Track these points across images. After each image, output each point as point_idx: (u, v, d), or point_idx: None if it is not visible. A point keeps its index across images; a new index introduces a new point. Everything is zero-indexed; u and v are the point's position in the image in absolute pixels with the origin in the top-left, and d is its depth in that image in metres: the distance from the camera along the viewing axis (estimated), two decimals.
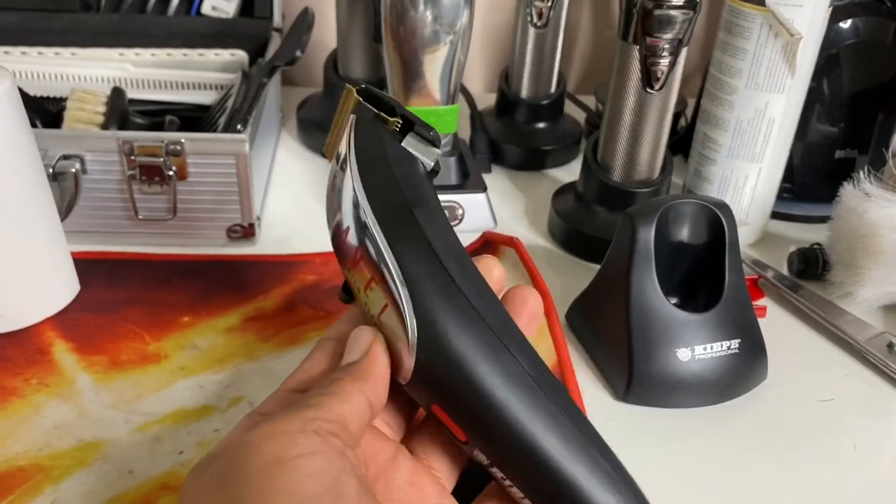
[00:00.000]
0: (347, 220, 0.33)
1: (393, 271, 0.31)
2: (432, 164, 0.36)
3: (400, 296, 0.30)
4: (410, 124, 0.35)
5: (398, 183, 0.33)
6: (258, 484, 0.26)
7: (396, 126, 0.35)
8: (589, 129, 0.80)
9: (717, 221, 0.50)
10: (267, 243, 0.62)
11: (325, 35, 0.78)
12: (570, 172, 0.75)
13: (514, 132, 0.76)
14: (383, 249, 0.31)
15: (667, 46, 0.55)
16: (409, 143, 0.35)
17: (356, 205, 0.32)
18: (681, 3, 0.54)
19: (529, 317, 0.35)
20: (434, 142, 0.36)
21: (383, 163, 0.34)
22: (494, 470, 0.31)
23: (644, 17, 0.54)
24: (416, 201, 0.33)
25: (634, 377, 0.48)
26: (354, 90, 0.36)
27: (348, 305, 0.36)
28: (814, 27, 0.56)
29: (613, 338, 0.50)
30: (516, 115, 0.76)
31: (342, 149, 0.35)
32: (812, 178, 0.68)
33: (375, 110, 0.35)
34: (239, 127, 0.58)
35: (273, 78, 0.63)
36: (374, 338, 0.32)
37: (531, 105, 0.76)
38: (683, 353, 0.48)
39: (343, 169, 0.34)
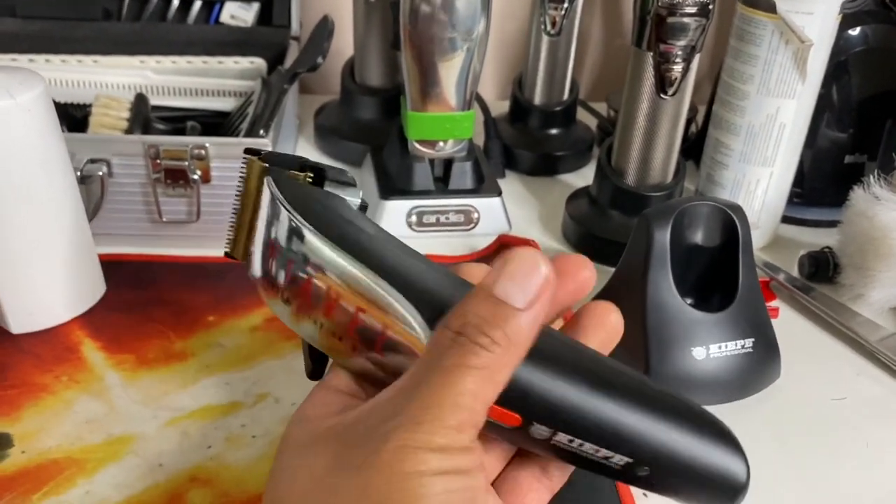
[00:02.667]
0: (303, 270, 0.31)
1: (387, 289, 0.30)
2: (359, 201, 0.35)
3: (404, 309, 0.29)
4: (322, 172, 0.34)
5: (348, 219, 0.33)
6: (399, 486, 0.25)
7: (309, 179, 0.34)
8: (601, 136, 0.81)
9: (730, 223, 0.51)
10: None
11: (342, 43, 0.80)
12: (582, 178, 0.77)
13: (528, 138, 0.77)
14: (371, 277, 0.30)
15: (680, 53, 0.57)
16: (332, 187, 0.35)
17: (313, 250, 0.31)
18: (694, 11, 0.55)
19: (605, 339, 0.33)
20: (352, 182, 0.35)
21: (321, 207, 0.33)
22: (559, 437, 0.30)
23: (658, 25, 0.56)
24: (376, 228, 0.33)
25: (651, 375, 0.49)
26: (256, 159, 0.35)
27: None
28: (824, 34, 0.57)
29: (629, 337, 0.50)
30: (529, 121, 0.78)
31: (270, 217, 0.33)
32: (822, 183, 0.69)
33: (286, 170, 0.34)
34: (261, 132, 0.59)
35: (293, 85, 0.65)
36: (549, 274, 0.27)
37: (544, 112, 0.77)
38: (699, 352, 0.49)
39: (276, 233, 0.32)
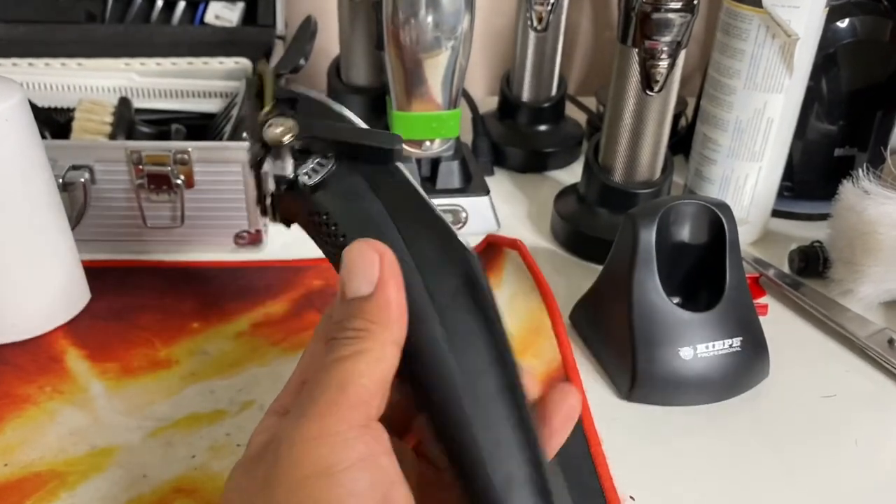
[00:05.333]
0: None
1: None
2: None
3: None
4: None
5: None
6: (306, 494, 0.25)
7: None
8: (590, 131, 0.81)
9: (717, 221, 0.51)
10: (274, 249, 0.63)
11: (328, 42, 0.79)
12: (571, 174, 0.76)
13: (516, 135, 0.77)
14: None
15: (665, 49, 0.56)
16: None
17: None
18: (679, 7, 0.54)
19: (564, 418, 0.32)
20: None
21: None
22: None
23: (642, 21, 0.55)
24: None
25: (638, 376, 0.49)
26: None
27: None
28: (811, 28, 0.57)
29: (617, 337, 0.51)
30: (518, 117, 0.77)
31: None
32: (812, 177, 0.69)
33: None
34: (245, 135, 0.59)
35: (277, 85, 0.64)
36: (382, 251, 0.29)
37: (532, 108, 0.76)
38: (686, 352, 0.49)
39: None
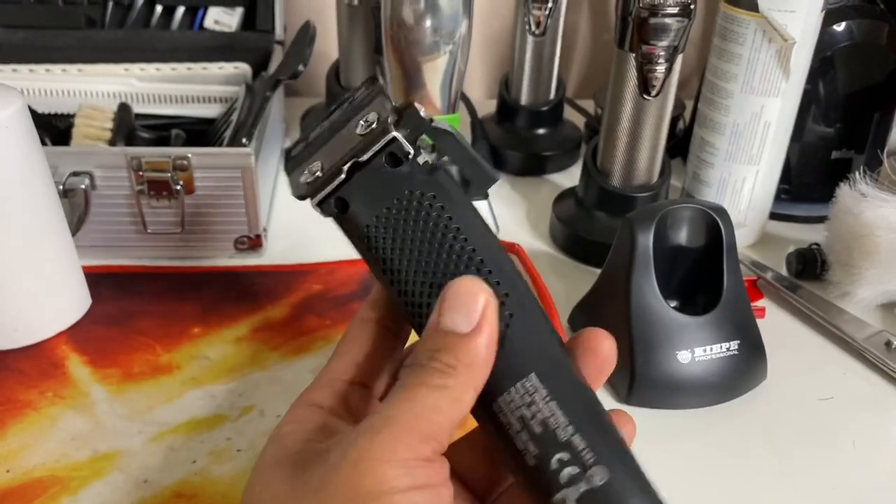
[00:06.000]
0: None
1: None
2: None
3: None
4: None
5: None
6: None
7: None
8: (589, 134, 0.81)
9: (714, 225, 0.51)
10: (274, 253, 0.63)
11: (328, 46, 0.80)
12: (570, 177, 0.76)
13: (515, 138, 0.77)
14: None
15: (662, 53, 0.56)
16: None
17: None
18: (675, 11, 0.55)
19: (598, 366, 0.32)
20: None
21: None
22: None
23: (640, 26, 0.55)
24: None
25: (636, 380, 0.49)
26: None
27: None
28: (807, 32, 0.57)
29: (615, 341, 0.51)
30: (516, 121, 0.77)
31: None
32: (809, 179, 0.69)
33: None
34: (244, 141, 0.59)
35: (276, 91, 0.65)
36: (488, 298, 0.28)
37: (531, 111, 0.77)
38: (684, 356, 0.49)
39: None
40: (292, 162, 0.32)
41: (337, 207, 0.31)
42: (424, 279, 0.30)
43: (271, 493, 0.28)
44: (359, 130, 0.31)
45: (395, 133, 0.30)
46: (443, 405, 0.27)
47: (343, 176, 0.30)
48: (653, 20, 0.55)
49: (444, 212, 0.30)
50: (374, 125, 0.30)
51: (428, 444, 0.27)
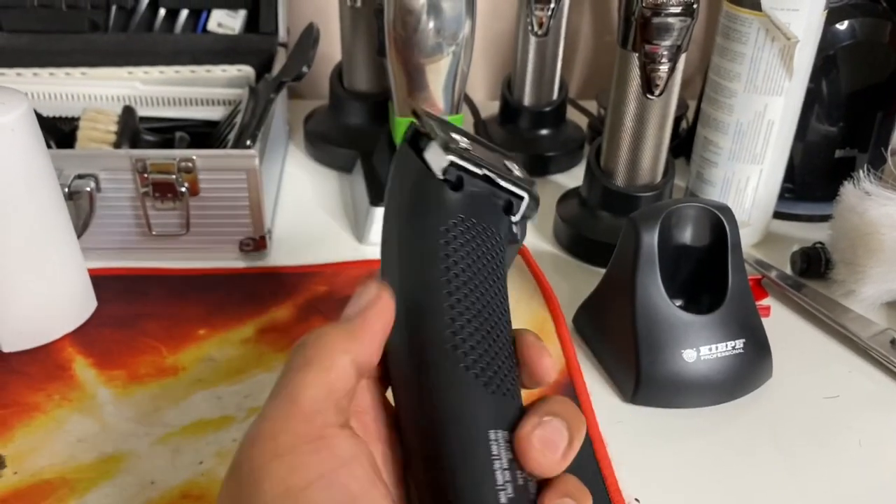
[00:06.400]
0: None
1: None
2: None
3: None
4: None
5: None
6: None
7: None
8: (592, 135, 0.81)
9: (719, 224, 0.51)
10: (278, 255, 0.63)
11: (331, 48, 0.80)
12: (573, 178, 0.76)
13: (518, 139, 0.77)
14: None
15: (665, 53, 0.56)
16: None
17: None
18: (678, 11, 0.55)
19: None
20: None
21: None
22: None
23: (643, 25, 0.55)
24: None
25: (641, 379, 0.49)
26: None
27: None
28: (810, 30, 0.57)
29: (620, 340, 0.51)
30: (519, 122, 0.77)
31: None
32: (813, 178, 0.69)
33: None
34: (248, 142, 0.59)
35: (280, 93, 0.65)
36: (377, 292, 0.30)
37: (534, 112, 0.77)
38: (689, 354, 0.49)
39: None
40: (443, 126, 0.33)
41: (453, 179, 0.31)
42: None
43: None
44: (508, 164, 0.33)
45: (527, 197, 0.32)
46: (311, 378, 0.27)
47: (482, 171, 0.31)
48: (656, 20, 0.55)
49: (497, 263, 0.31)
50: (521, 175, 0.33)
51: (311, 423, 0.26)
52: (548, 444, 0.28)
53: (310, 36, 0.64)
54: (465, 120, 0.66)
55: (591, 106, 0.84)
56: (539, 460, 0.28)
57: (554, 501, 0.28)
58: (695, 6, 0.55)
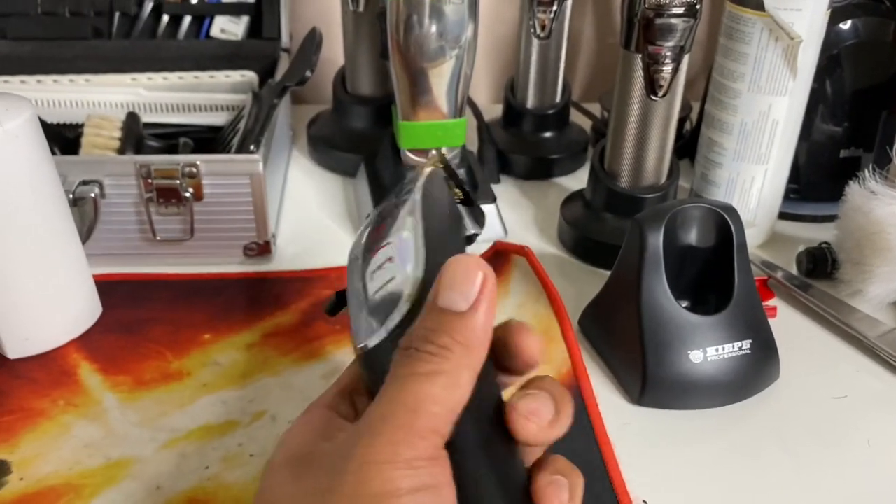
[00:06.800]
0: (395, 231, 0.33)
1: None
2: (471, 232, 0.38)
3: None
4: (470, 201, 0.38)
5: (448, 226, 0.35)
6: None
7: (458, 196, 0.38)
8: (595, 137, 0.81)
9: (724, 224, 0.51)
10: (283, 260, 0.63)
11: (334, 52, 0.80)
12: (577, 180, 0.76)
13: (522, 142, 0.77)
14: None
15: (669, 54, 0.56)
16: (463, 210, 0.38)
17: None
18: (681, 12, 0.55)
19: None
20: (480, 223, 0.38)
21: (441, 205, 0.35)
22: None
23: (646, 26, 0.55)
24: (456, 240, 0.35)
25: (648, 380, 0.49)
26: (438, 159, 0.39)
27: None
28: (813, 30, 0.57)
29: (626, 342, 0.51)
30: (523, 125, 0.77)
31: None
32: (818, 178, 0.69)
33: (446, 174, 0.38)
34: (252, 147, 0.59)
35: (283, 97, 0.65)
36: (487, 273, 0.27)
37: (537, 115, 0.77)
38: (696, 356, 0.49)
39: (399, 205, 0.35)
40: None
41: None
42: None
43: (279, 494, 0.28)
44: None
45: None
46: (438, 393, 0.26)
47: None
48: (658, 21, 0.55)
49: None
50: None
51: (429, 439, 0.26)
52: (535, 413, 0.29)
53: (313, 40, 0.64)
54: (468, 123, 0.66)
55: (595, 108, 0.84)
56: (527, 427, 0.29)
57: (546, 478, 0.29)
58: (697, 6, 0.55)
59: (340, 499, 0.25)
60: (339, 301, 0.36)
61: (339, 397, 0.33)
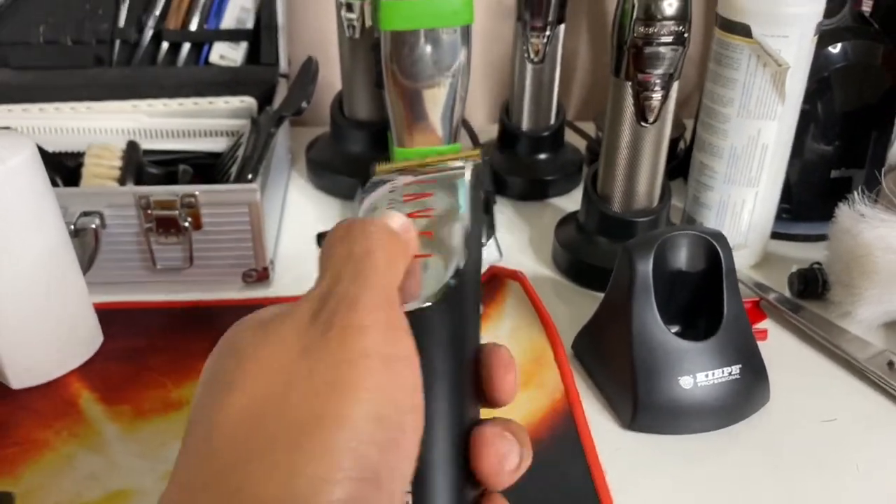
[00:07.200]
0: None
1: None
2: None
3: None
4: (488, 209, 0.37)
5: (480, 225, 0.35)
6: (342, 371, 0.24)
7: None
8: (590, 157, 0.82)
9: (714, 250, 0.52)
10: (282, 284, 0.64)
11: (332, 76, 0.80)
12: (572, 200, 0.77)
13: (517, 164, 0.78)
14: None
15: (658, 81, 0.57)
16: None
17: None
18: (670, 40, 0.56)
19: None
20: (488, 235, 0.37)
21: (478, 201, 0.34)
22: None
23: (635, 55, 0.56)
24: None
25: (639, 406, 0.50)
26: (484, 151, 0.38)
27: None
28: (801, 56, 0.58)
29: (618, 367, 0.52)
30: (518, 147, 0.78)
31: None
32: (810, 198, 0.69)
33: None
34: (250, 176, 0.60)
35: (280, 126, 0.66)
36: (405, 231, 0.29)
37: (532, 137, 0.78)
38: (686, 381, 0.49)
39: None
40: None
41: None
42: None
43: (249, 351, 0.27)
44: None
45: None
46: (383, 265, 0.27)
47: None
48: (648, 49, 0.56)
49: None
50: None
51: (394, 307, 0.26)
52: (506, 457, 0.29)
53: (308, 70, 0.65)
54: (464, 145, 0.67)
55: (589, 127, 0.85)
56: (494, 466, 0.29)
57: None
58: (685, 35, 0.56)
59: (325, 356, 0.25)
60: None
61: None
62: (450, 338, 0.30)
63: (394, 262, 0.28)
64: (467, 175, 0.33)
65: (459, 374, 0.30)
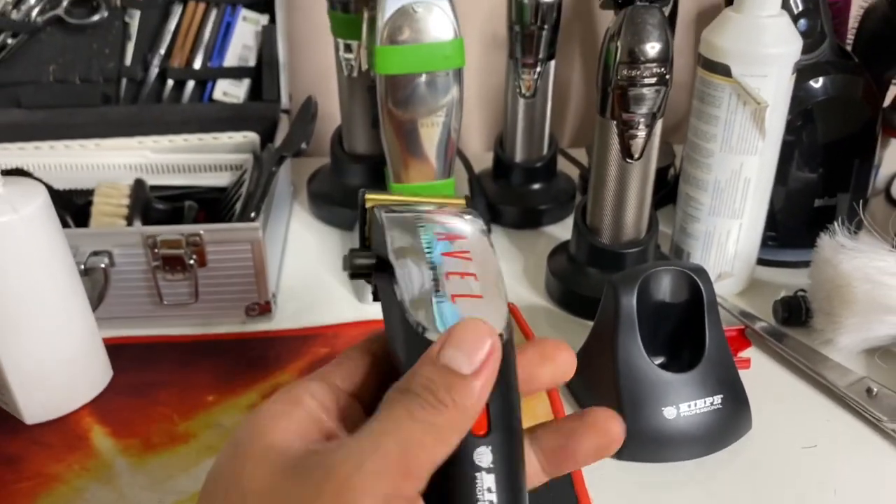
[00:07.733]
0: None
1: None
2: None
3: None
4: None
5: None
6: None
7: None
8: (583, 185, 0.84)
9: (695, 284, 0.54)
10: (284, 317, 0.66)
11: (333, 108, 0.83)
12: (566, 228, 0.79)
13: (511, 194, 0.80)
14: None
15: (642, 120, 0.60)
16: None
17: None
18: (653, 82, 0.58)
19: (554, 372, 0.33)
20: None
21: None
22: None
23: (619, 96, 0.59)
24: None
25: (625, 436, 0.52)
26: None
27: None
28: (780, 94, 0.60)
29: (604, 397, 0.54)
30: (512, 177, 0.81)
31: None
32: (795, 225, 0.71)
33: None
34: (252, 215, 0.63)
35: (281, 165, 0.68)
36: (495, 343, 0.27)
37: (525, 168, 0.80)
38: (669, 412, 0.52)
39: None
40: None
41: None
42: None
43: (258, 487, 0.27)
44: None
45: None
46: (428, 442, 0.26)
47: None
48: (632, 90, 0.58)
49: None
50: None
51: (410, 482, 0.26)
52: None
53: (308, 110, 0.68)
54: (459, 176, 0.69)
55: (582, 154, 0.87)
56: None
57: None
58: (667, 76, 0.58)
59: None
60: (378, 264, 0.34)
61: (326, 393, 0.31)
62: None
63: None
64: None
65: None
